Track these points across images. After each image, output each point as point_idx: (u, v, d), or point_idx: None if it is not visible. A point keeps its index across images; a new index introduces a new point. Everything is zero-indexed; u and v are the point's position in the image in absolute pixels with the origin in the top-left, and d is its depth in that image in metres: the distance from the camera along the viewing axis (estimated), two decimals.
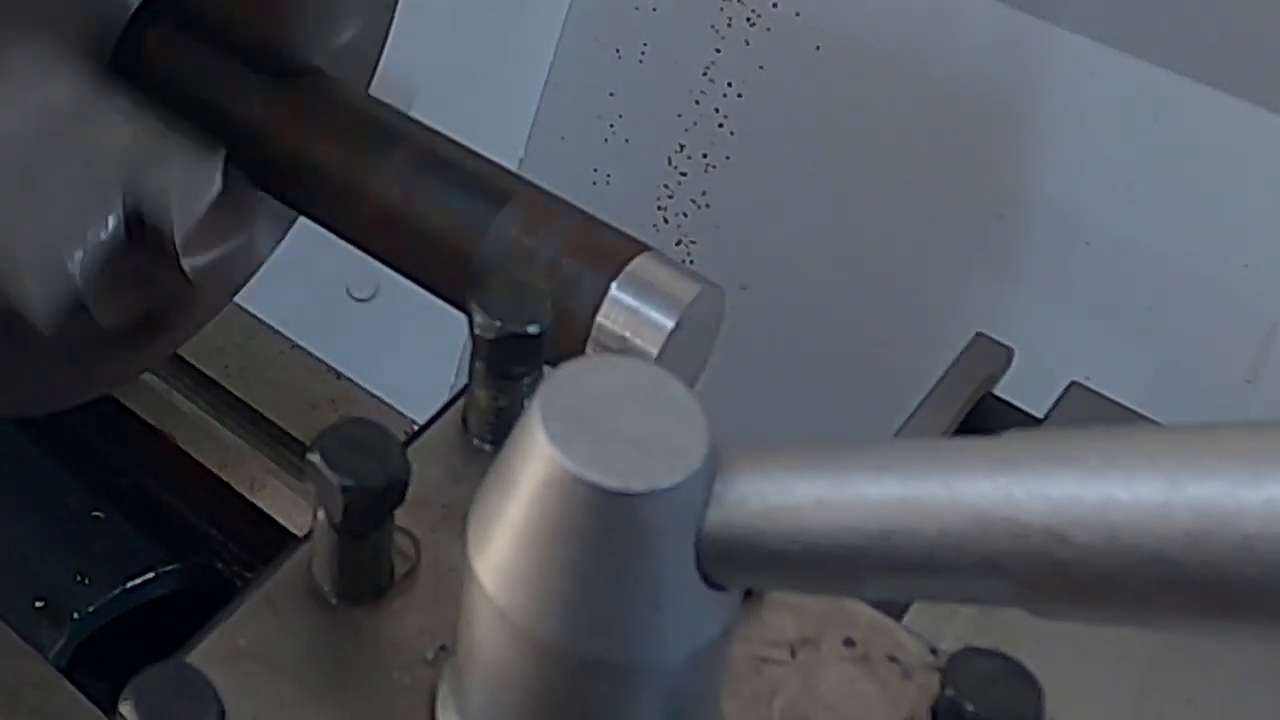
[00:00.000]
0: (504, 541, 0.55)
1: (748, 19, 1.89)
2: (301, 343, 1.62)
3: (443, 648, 0.67)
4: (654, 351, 0.99)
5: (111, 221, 1.12)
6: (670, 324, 0.99)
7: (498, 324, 0.73)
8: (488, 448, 0.76)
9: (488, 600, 0.56)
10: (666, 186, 2.00)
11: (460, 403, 0.78)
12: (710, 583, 0.55)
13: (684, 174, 1.99)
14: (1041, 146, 1.77)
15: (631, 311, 1.00)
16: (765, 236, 1.95)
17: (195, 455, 1.51)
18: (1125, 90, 1.70)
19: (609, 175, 2.03)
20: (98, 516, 1.51)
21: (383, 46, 1.30)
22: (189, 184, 1.11)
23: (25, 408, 1.29)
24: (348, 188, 1.11)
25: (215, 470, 1.50)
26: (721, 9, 1.90)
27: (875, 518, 0.51)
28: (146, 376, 1.49)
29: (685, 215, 2.00)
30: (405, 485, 0.67)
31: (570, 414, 0.53)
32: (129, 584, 1.43)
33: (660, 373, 0.55)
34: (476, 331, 0.73)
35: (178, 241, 1.12)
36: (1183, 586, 0.47)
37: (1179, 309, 1.71)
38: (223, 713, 0.63)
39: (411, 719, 0.66)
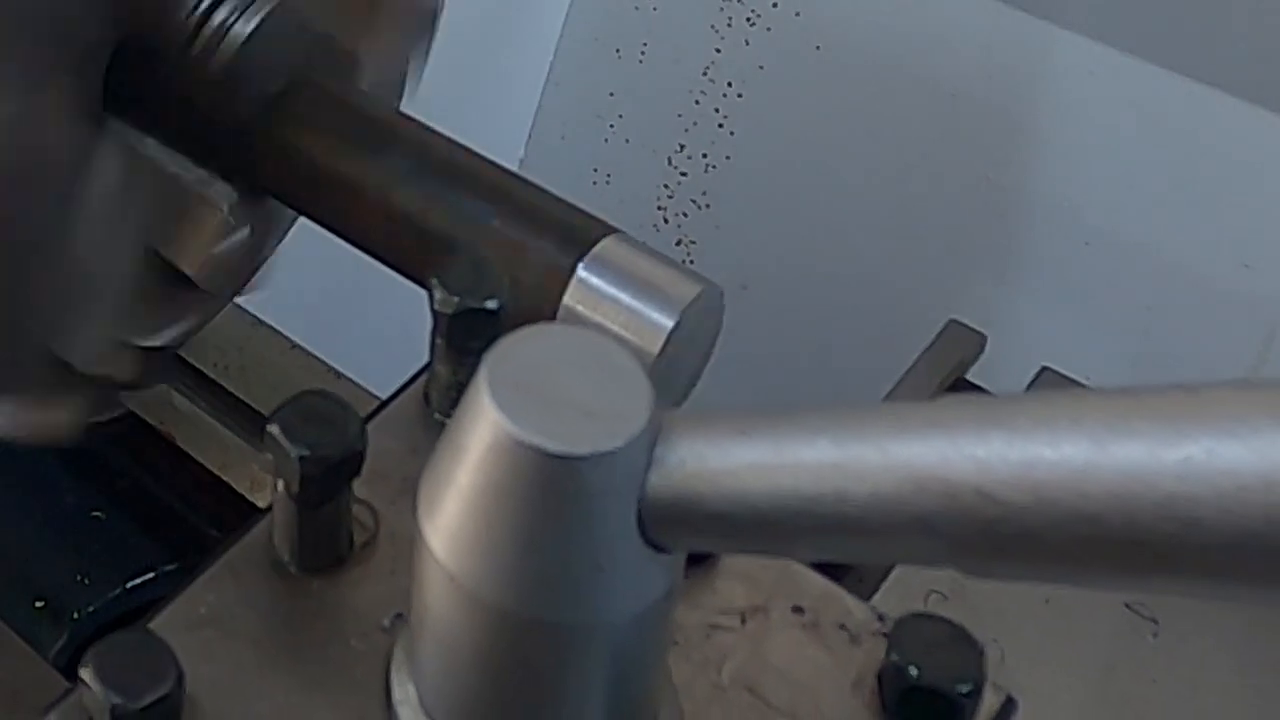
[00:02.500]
0: (452, 506, 0.57)
1: (748, 19, 1.88)
2: (301, 343, 1.62)
3: (399, 615, 0.69)
4: (654, 351, 0.99)
5: (133, 262, 1.13)
6: (670, 323, 0.99)
7: (456, 299, 0.75)
8: (448, 422, 0.77)
9: (436, 564, 0.58)
10: (666, 186, 2.00)
11: (422, 378, 0.80)
12: (653, 545, 0.56)
13: (684, 174, 1.98)
14: (1041, 146, 1.77)
15: (631, 312, 1.01)
16: (765, 236, 1.95)
17: (195, 455, 1.52)
18: (1125, 90, 1.70)
19: (609, 175, 2.03)
20: (98, 516, 1.51)
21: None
22: (202, 223, 1.12)
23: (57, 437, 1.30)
24: (348, 188, 1.11)
25: (215, 470, 1.51)
26: (721, 9, 1.89)
27: (811, 480, 0.53)
28: None
29: (685, 215, 1.99)
30: (362, 456, 0.69)
31: (516, 380, 0.55)
32: (129, 584, 1.43)
33: (605, 341, 0.57)
34: (436, 307, 0.75)
35: (196, 276, 1.13)
36: (1106, 544, 0.49)
37: (1179, 309, 1.71)
38: (181, 678, 0.65)
39: (367, 684, 0.68)
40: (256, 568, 0.72)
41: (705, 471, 0.55)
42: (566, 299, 1.01)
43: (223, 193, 1.13)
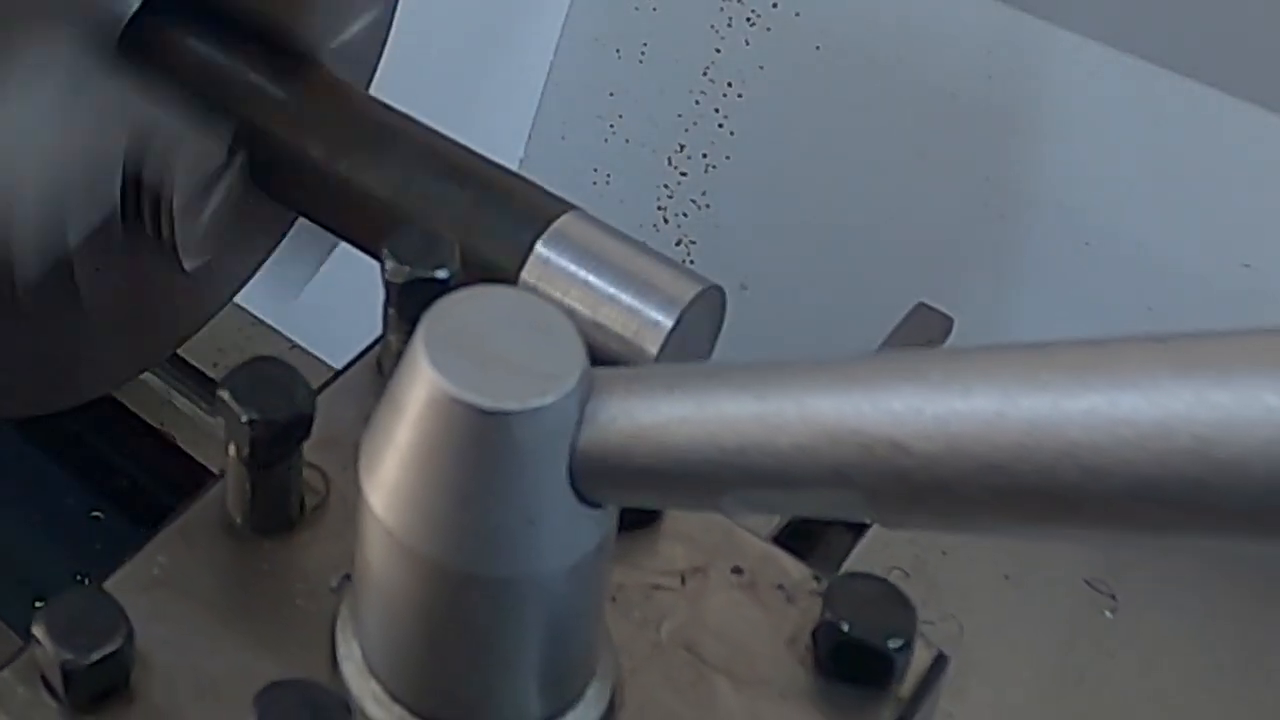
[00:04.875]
0: (391, 463, 0.59)
1: (748, 19, 1.89)
2: (301, 343, 1.62)
3: (346, 577, 0.70)
4: (653, 351, 0.99)
5: (111, 194, 1.11)
6: (670, 323, 0.99)
7: (407, 269, 0.76)
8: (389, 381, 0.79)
9: (376, 520, 0.60)
10: (666, 186, 2.00)
11: (376, 348, 0.82)
12: (584, 499, 0.58)
13: (684, 174, 1.98)
14: (1041, 146, 1.77)
15: (631, 311, 1.01)
16: (765, 236, 1.95)
17: (195, 455, 1.51)
18: (1125, 90, 1.70)
19: (609, 175, 2.03)
20: (98, 516, 1.50)
21: (383, 46, 1.30)
22: (192, 153, 1.11)
23: (22, 408, 1.29)
24: (348, 188, 1.10)
25: (215, 470, 1.50)
26: (721, 9, 1.89)
27: (733, 434, 0.55)
28: (146, 376, 1.49)
29: (685, 215, 2.00)
30: (310, 420, 0.71)
31: (452, 339, 0.57)
32: None
33: (540, 302, 0.59)
34: (387, 277, 0.77)
35: (176, 208, 1.11)
36: (1015, 492, 0.50)
37: (1179, 309, 1.71)
38: (131, 635, 0.66)
39: (313, 642, 0.69)
40: (209, 530, 0.74)
41: (634, 427, 0.56)
42: (525, 274, 1.02)
43: (221, 132, 1.12)
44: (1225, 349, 0.49)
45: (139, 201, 1.12)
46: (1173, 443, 0.47)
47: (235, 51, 1.14)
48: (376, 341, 0.82)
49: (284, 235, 1.31)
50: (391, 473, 0.59)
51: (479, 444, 0.56)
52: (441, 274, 0.76)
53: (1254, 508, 0.47)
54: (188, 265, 1.15)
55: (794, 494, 0.55)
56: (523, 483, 0.57)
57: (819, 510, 0.57)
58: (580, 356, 0.57)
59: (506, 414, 0.55)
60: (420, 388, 0.57)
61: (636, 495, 0.60)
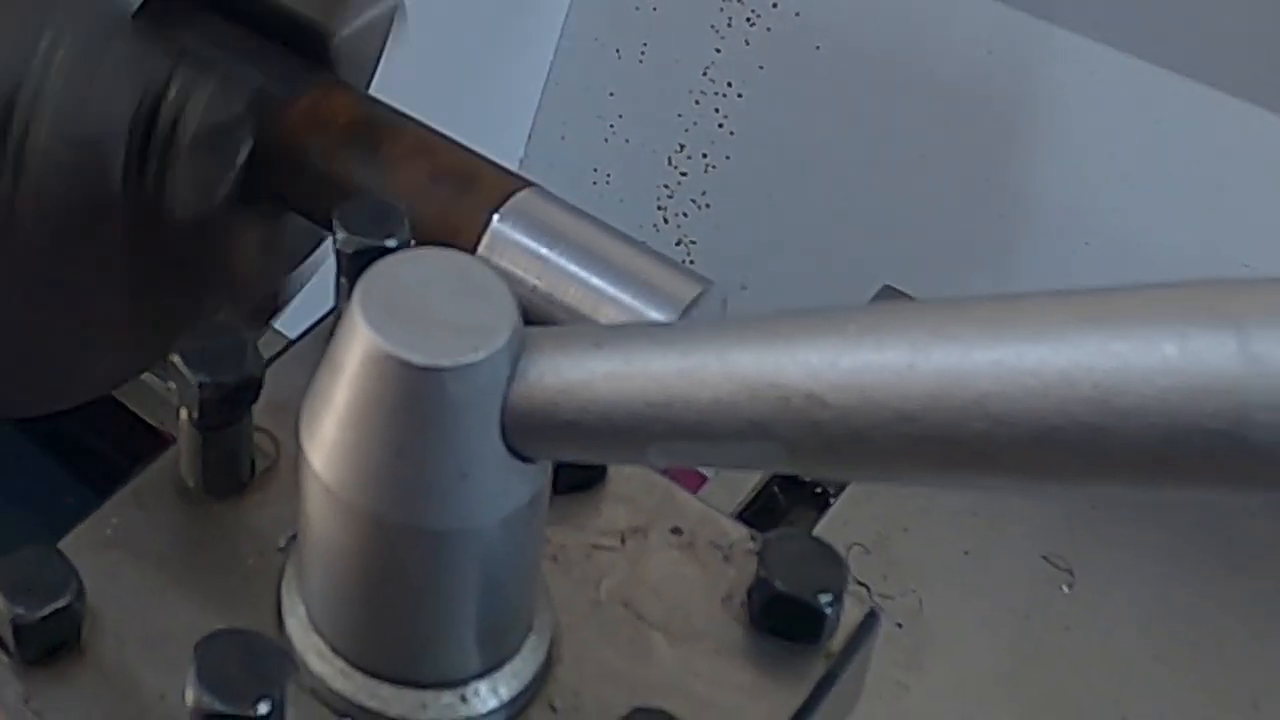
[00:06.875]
0: (329, 420, 0.60)
1: (748, 19, 1.89)
2: None
3: (294, 536, 0.72)
4: None
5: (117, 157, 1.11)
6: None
7: (357, 239, 0.77)
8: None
9: (315, 477, 0.62)
10: (666, 186, 2.00)
11: (330, 318, 0.84)
12: (516, 454, 0.60)
13: (684, 174, 1.99)
14: (1041, 146, 1.77)
15: (632, 312, 1.01)
16: (765, 236, 1.95)
17: None
18: (1125, 90, 1.70)
19: (609, 175, 2.04)
20: None
21: (384, 45, 1.30)
22: (210, 99, 1.11)
23: (22, 408, 1.29)
24: (347, 188, 1.11)
25: None
26: (721, 9, 1.90)
27: (657, 389, 0.56)
28: (146, 376, 1.49)
29: (685, 215, 2.00)
30: (259, 382, 0.73)
31: (387, 299, 0.59)
32: None
33: (474, 263, 0.61)
34: (338, 246, 0.78)
35: (189, 141, 1.11)
36: (926, 441, 0.52)
37: None
38: (81, 591, 0.69)
39: (260, 599, 0.72)
40: (162, 492, 0.76)
41: (562, 383, 0.58)
42: (523, 272, 1.03)
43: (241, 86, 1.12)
44: (1128, 302, 0.50)
45: (148, 140, 1.11)
46: (1075, 391, 0.49)
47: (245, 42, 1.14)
48: (330, 312, 0.84)
49: (295, 266, 1.31)
50: (330, 430, 0.61)
51: (413, 400, 0.58)
52: (391, 243, 0.78)
53: (1153, 454, 0.49)
54: (180, 211, 1.14)
55: (717, 446, 0.57)
56: (455, 437, 0.59)
57: (743, 462, 0.59)
58: (512, 315, 0.59)
59: (439, 370, 0.57)
60: (356, 345, 0.58)
61: (566, 449, 0.61)
